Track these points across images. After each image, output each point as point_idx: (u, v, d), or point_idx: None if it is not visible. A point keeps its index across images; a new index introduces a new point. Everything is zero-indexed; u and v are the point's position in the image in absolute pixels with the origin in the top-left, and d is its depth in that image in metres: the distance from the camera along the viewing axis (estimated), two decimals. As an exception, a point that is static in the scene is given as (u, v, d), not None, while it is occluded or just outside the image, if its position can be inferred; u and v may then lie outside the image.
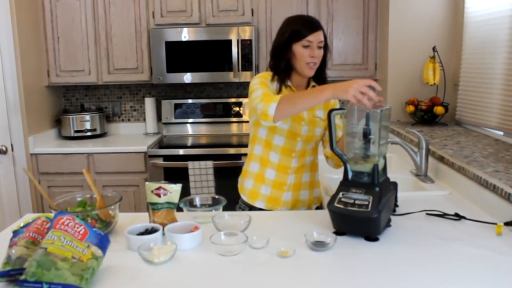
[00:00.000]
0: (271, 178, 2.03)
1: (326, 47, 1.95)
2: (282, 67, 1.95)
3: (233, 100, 3.97)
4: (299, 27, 1.90)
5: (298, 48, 1.89)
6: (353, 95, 1.54)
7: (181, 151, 3.50)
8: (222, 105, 3.97)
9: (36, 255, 1.21)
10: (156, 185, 1.62)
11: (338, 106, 2.06)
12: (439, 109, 3.21)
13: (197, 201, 1.84)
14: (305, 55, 1.89)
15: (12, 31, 3.33)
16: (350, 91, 1.55)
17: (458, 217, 1.73)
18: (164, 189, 1.62)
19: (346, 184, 1.61)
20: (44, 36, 3.71)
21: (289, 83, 1.99)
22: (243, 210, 2.08)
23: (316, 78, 2.00)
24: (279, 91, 1.96)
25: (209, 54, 3.64)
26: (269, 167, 2.03)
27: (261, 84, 1.93)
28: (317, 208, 2.15)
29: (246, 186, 2.09)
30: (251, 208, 2.06)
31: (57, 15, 3.67)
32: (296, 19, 1.96)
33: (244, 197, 2.09)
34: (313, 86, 2.01)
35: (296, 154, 2.01)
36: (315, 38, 1.88)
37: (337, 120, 1.91)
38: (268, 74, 1.99)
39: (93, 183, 1.75)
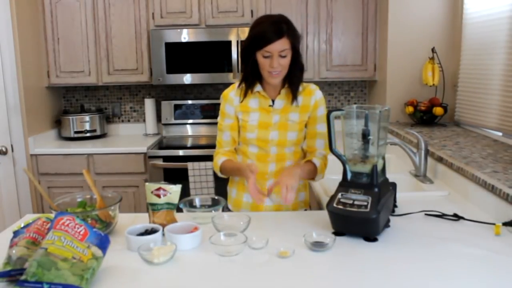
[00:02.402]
0: None
1: (296, 52, 1.85)
2: (249, 72, 1.90)
3: (232, 101, 3.97)
4: (259, 35, 1.79)
5: (259, 57, 1.82)
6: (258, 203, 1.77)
7: (180, 152, 3.51)
8: (221, 106, 3.97)
9: (37, 255, 1.21)
10: (156, 185, 1.63)
11: (323, 108, 1.97)
12: (438, 110, 3.21)
13: (197, 202, 1.85)
14: (266, 64, 1.81)
15: (12, 32, 3.34)
16: (256, 201, 1.75)
17: (457, 217, 1.74)
18: (164, 190, 1.62)
19: (345, 185, 1.62)
20: (44, 37, 3.71)
21: (258, 88, 1.94)
22: None
23: (290, 80, 1.91)
24: (245, 96, 1.94)
25: (209, 55, 3.65)
26: None
27: (220, 114, 2.04)
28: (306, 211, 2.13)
29: (231, 195, 2.09)
30: None
31: (57, 16, 3.68)
32: (260, 24, 1.84)
33: (230, 205, 2.09)
34: (291, 88, 1.92)
35: (271, 159, 1.98)
36: (274, 48, 1.77)
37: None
38: (232, 88, 2.00)
39: (93, 183, 1.76)
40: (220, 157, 1.99)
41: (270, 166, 1.98)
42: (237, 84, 1.99)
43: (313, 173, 1.95)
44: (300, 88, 1.95)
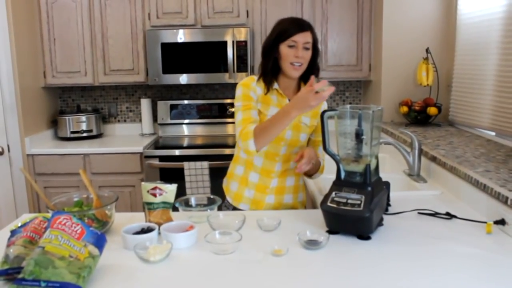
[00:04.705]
0: (255, 181, 2.05)
1: (315, 50, 1.96)
2: (269, 67, 1.96)
3: (228, 101, 3.99)
4: (287, 27, 1.91)
5: (283, 48, 1.90)
6: (315, 103, 1.66)
7: (176, 152, 3.52)
8: (217, 106, 3.99)
9: (34, 254, 1.22)
10: (152, 185, 1.64)
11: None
12: (432, 110, 3.24)
13: (193, 201, 1.87)
14: (290, 54, 1.89)
15: (9, 33, 3.35)
16: (311, 102, 1.66)
17: (449, 216, 1.76)
18: (160, 189, 1.63)
19: (338, 184, 1.64)
20: (40, 37, 3.72)
21: (276, 86, 1.99)
22: (228, 209, 2.11)
23: (305, 80, 1.98)
24: (267, 91, 1.98)
25: (205, 55, 3.66)
26: (253, 170, 2.05)
27: (242, 98, 1.95)
28: None
29: (232, 188, 2.12)
30: (235, 209, 2.08)
31: (53, 16, 3.69)
32: (286, 20, 1.98)
33: (229, 198, 2.12)
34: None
35: (280, 158, 2.02)
36: (301, 38, 1.88)
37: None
38: (252, 79, 2.01)
39: (90, 183, 1.77)
40: (251, 125, 1.88)
41: (277, 166, 2.03)
42: (255, 77, 2.02)
43: (317, 166, 2.00)
44: None
